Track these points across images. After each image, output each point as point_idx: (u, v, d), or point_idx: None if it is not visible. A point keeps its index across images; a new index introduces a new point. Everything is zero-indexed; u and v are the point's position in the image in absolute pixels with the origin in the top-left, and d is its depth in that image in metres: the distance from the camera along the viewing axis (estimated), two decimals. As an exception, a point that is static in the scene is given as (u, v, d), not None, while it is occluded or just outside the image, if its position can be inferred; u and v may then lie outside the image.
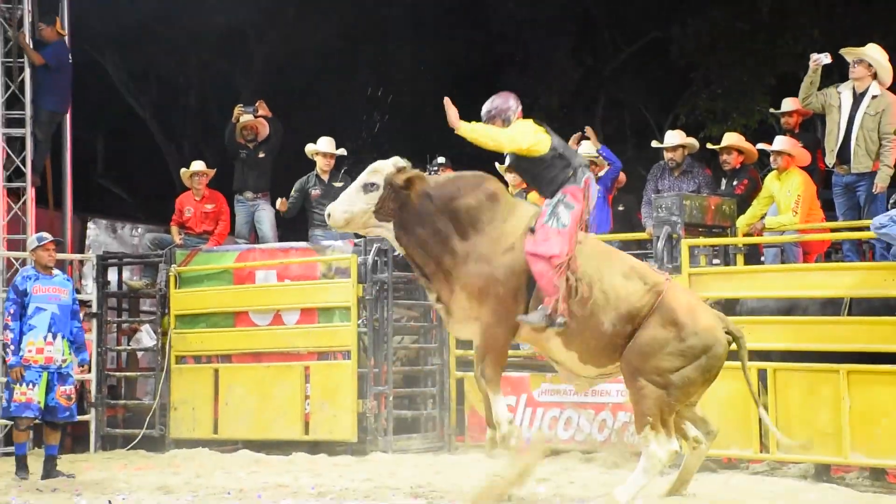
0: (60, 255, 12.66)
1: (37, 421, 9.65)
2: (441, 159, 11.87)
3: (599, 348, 7.45)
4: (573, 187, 7.55)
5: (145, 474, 9.83)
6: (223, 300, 11.88)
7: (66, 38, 13.09)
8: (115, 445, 12.08)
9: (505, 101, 7.81)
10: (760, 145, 10.78)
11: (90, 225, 18.42)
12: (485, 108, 7.81)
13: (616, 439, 10.12)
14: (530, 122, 7.71)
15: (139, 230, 18.59)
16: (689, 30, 19.50)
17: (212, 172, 12.64)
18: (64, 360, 9.60)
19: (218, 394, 11.56)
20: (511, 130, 7.60)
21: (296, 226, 13.26)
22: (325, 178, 12.04)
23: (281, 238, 12.75)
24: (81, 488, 8.90)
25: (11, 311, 9.61)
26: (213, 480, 9.25)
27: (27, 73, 12.71)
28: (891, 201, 9.31)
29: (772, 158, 10.32)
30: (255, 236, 12.68)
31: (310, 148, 12.15)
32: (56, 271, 9.91)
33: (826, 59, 9.74)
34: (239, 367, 11.68)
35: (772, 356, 9.08)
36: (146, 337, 13.83)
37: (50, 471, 9.48)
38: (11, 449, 11.68)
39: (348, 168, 12.02)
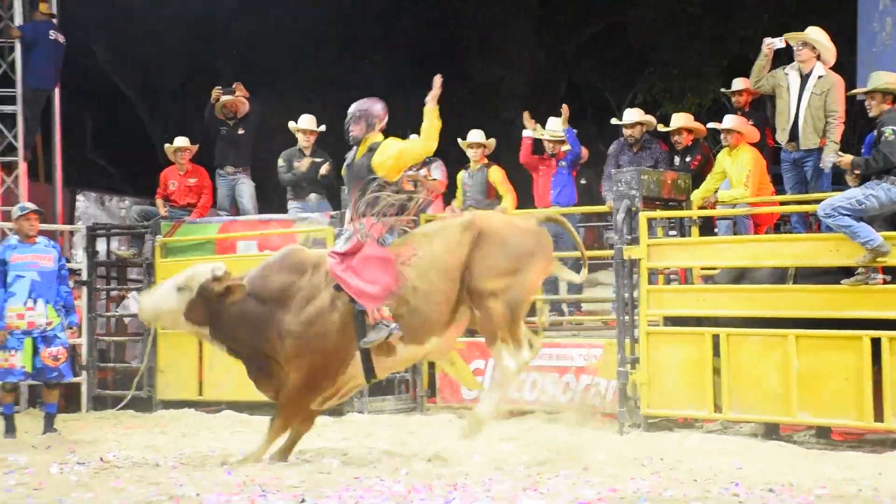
0: (52, 226, 12.57)
1: (20, 383, 9.71)
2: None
3: (448, 310, 7.37)
4: (376, 223, 7.37)
5: (134, 433, 9.78)
6: (206, 269, 11.76)
7: (55, 19, 12.87)
8: (105, 406, 12.00)
9: (373, 105, 7.63)
10: (711, 124, 10.79)
11: (79, 197, 18.18)
12: (352, 108, 7.61)
13: (579, 401, 10.14)
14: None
15: (126, 202, 18.36)
16: (646, 13, 19.47)
17: (194, 148, 12.54)
18: (49, 323, 9.49)
19: (202, 357, 11.46)
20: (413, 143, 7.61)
21: (274, 199, 13.17)
22: (308, 153, 11.94)
23: (260, 210, 12.64)
24: (74, 446, 8.83)
25: None
26: (199, 440, 9.21)
27: (17, 52, 12.54)
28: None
29: (723, 136, 10.32)
30: (235, 209, 12.58)
31: (292, 125, 12.03)
32: (39, 238, 9.76)
33: (780, 43, 9.74)
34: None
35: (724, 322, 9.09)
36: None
37: (47, 427, 9.53)
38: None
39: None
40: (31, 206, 9.88)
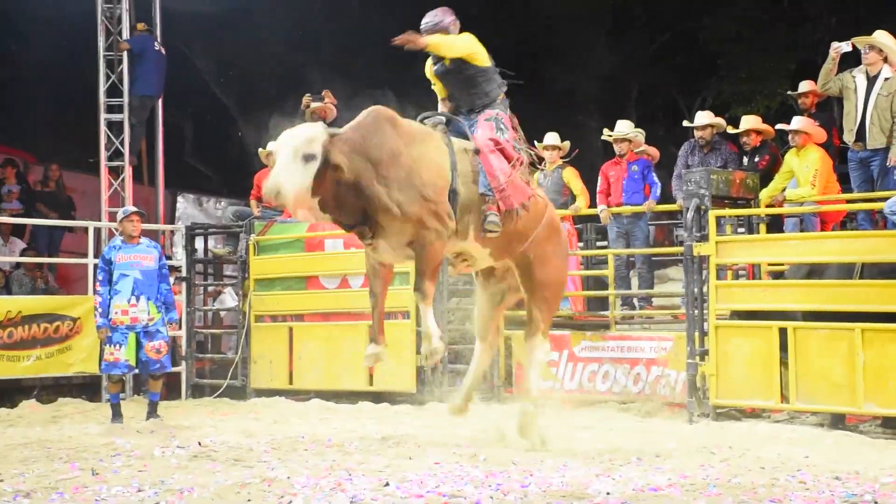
0: (154, 226, 12.83)
1: (125, 375, 9.81)
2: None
3: (508, 245, 7.33)
4: (502, 113, 7.35)
5: (229, 420, 9.92)
6: (296, 266, 11.91)
7: (158, 32, 13.14)
8: (203, 394, 12.20)
9: (443, 15, 7.44)
10: (780, 125, 10.60)
11: (179, 199, 18.61)
12: (425, 21, 7.42)
13: (649, 391, 10.05)
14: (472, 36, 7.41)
15: (222, 203, 18.75)
16: (717, 20, 19.22)
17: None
18: (151, 319, 9.59)
19: (292, 349, 11.61)
20: (465, 37, 7.36)
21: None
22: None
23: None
24: (175, 431, 8.99)
25: (100, 278, 9.67)
26: (289, 426, 9.31)
27: (125, 65, 12.80)
28: None
29: (790, 137, 10.14)
30: (325, 209, 12.66)
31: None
32: (142, 239, 9.86)
33: (847, 47, 9.57)
34: (310, 325, 11.71)
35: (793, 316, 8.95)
36: (229, 298, 13.94)
37: (151, 413, 9.69)
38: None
39: None
40: (133, 208, 10.03)
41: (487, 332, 7.77)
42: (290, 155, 6.56)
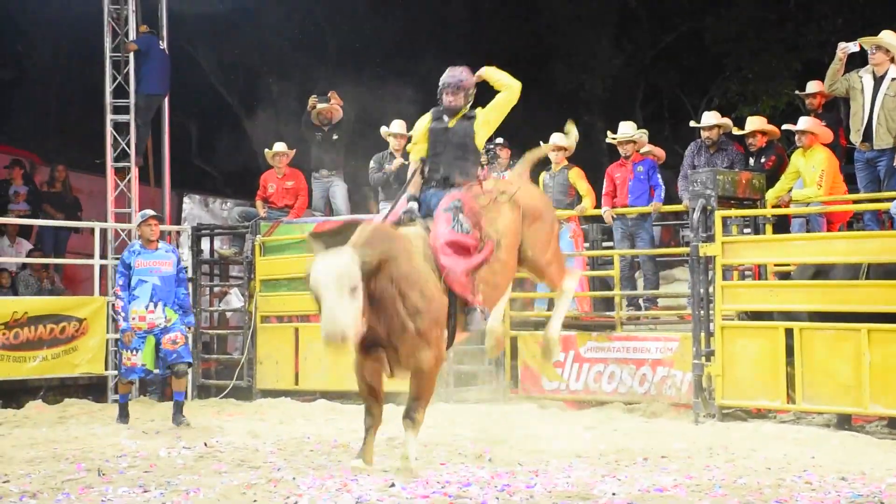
0: (161, 227, 12.83)
1: (138, 379, 9.76)
2: (499, 139, 11.76)
3: (509, 277, 7.43)
4: (471, 201, 6.95)
5: (236, 420, 9.92)
6: (302, 266, 11.66)
7: (164, 33, 13.18)
8: (209, 395, 12.21)
9: (469, 77, 7.29)
10: (786, 126, 10.58)
11: (186, 200, 18.62)
12: (447, 78, 7.24)
13: (655, 392, 10.05)
14: None
15: (228, 204, 18.75)
16: (722, 20, 19.20)
17: (292, 153, 12.67)
18: (168, 321, 9.52)
19: (298, 349, 11.61)
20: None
21: (366, 200, 13.25)
22: (398, 155, 11.99)
23: (353, 211, 12.72)
24: (181, 431, 9.00)
25: (120, 283, 9.58)
26: (295, 426, 9.31)
27: (131, 65, 12.82)
28: None
29: (797, 137, 10.13)
30: (329, 209, 12.70)
31: (384, 130, 12.10)
32: (160, 244, 9.79)
33: (854, 47, 9.56)
34: (316, 325, 11.50)
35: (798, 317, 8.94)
36: (235, 299, 13.96)
37: (177, 414, 9.50)
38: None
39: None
40: (151, 212, 9.90)
41: None
42: (337, 292, 6.19)
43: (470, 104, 7.31)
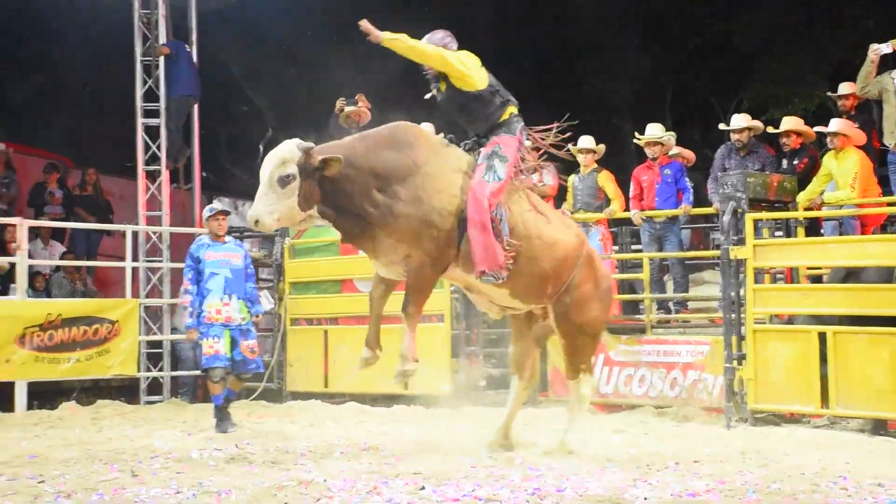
0: (190, 229, 12.92)
1: (229, 373, 9.34)
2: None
3: (533, 288, 7.10)
4: (507, 137, 7.01)
5: (266, 422, 9.95)
6: (331, 269, 11.95)
7: (193, 38, 13.25)
8: (239, 397, 12.17)
9: (433, 36, 7.24)
10: (818, 128, 10.49)
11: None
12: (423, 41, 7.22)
13: (686, 396, 9.99)
14: (473, 56, 7.13)
15: (258, 207, 18.77)
16: (753, 22, 19.07)
17: (322, 154, 12.67)
18: (243, 319, 9.40)
19: (328, 352, 11.64)
20: (455, 53, 7.05)
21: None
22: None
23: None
24: (212, 433, 9.03)
25: (189, 277, 9.43)
26: (325, 429, 9.33)
27: (162, 69, 12.89)
28: None
29: (829, 139, 10.03)
30: (359, 212, 12.68)
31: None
32: (228, 238, 9.69)
33: (886, 48, 9.48)
34: (345, 328, 11.73)
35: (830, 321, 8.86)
36: (265, 301, 13.97)
37: (224, 418, 9.34)
38: (156, 397, 12.06)
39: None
40: (219, 206, 9.84)
41: (524, 368, 7.56)
42: (266, 183, 6.64)
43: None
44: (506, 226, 6.86)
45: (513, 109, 7.20)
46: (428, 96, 7.32)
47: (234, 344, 9.34)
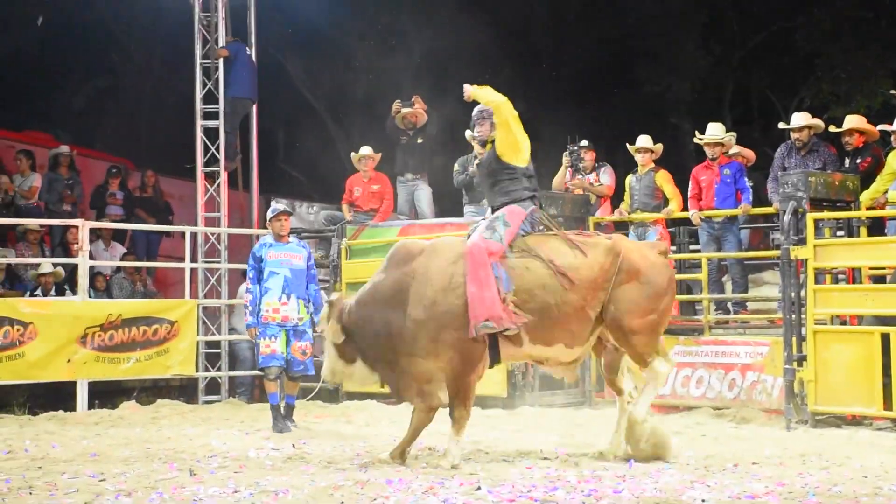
0: (249, 230, 13.05)
1: (282, 371, 9.49)
2: (584, 142, 11.68)
3: (580, 326, 7.04)
4: (516, 208, 7.20)
5: (322, 422, 10.01)
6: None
7: (252, 40, 13.37)
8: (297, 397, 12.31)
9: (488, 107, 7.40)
10: (882, 126, 10.30)
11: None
12: (475, 112, 7.46)
13: (745, 397, 9.88)
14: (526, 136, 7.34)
15: (314, 208, 18.92)
16: (814, 19, 18.79)
17: (378, 157, 12.74)
18: (300, 319, 9.46)
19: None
20: (513, 118, 7.20)
21: (451, 203, 13.29)
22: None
23: (438, 214, 12.77)
24: (268, 432, 9.11)
25: (250, 276, 9.55)
26: (381, 429, 9.36)
27: (221, 71, 13.02)
28: None
29: (893, 138, 9.86)
30: (414, 213, 12.74)
31: (468, 134, 12.09)
32: (291, 238, 9.77)
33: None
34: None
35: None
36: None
37: (288, 417, 9.47)
38: (214, 397, 12.20)
39: None
40: (283, 206, 9.94)
41: (618, 384, 7.46)
42: (324, 332, 7.39)
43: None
44: (505, 282, 6.93)
45: (533, 202, 7.35)
46: (476, 162, 7.60)
47: (287, 343, 9.44)
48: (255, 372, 10.45)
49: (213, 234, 12.78)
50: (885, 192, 9.80)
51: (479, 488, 6.09)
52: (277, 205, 9.99)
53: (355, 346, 7.19)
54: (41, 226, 13.09)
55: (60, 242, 13.61)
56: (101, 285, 13.08)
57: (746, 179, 10.95)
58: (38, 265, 12.24)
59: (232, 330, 12.66)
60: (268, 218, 9.83)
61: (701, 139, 11.13)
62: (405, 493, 5.99)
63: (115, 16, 21.51)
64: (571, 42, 20.76)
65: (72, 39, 21.39)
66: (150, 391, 12.23)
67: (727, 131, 11.40)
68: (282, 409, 9.53)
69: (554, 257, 7.07)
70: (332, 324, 7.18)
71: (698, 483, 6.24)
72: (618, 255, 7.12)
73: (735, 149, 11.33)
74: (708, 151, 11.08)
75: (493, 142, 7.38)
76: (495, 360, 7.13)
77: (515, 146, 7.27)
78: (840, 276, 10.00)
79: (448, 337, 6.90)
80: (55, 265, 12.25)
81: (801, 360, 9.06)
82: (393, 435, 8.73)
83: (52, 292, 12.04)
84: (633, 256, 7.19)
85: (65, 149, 14.45)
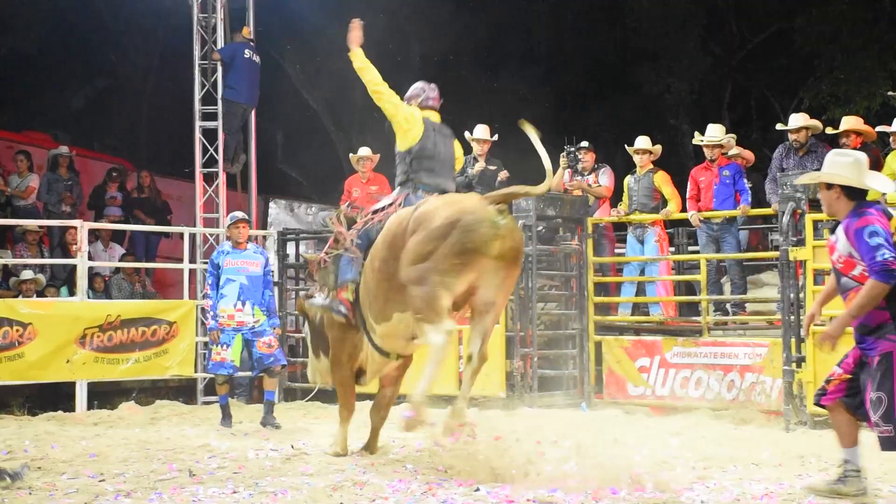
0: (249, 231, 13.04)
1: (231, 376, 10.01)
2: (584, 143, 11.70)
3: (394, 293, 6.78)
4: (392, 193, 7.40)
5: (322, 423, 10.01)
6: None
7: (252, 41, 13.36)
8: (294, 397, 12.35)
9: (421, 89, 7.58)
10: (881, 127, 10.32)
11: (272, 205, 18.86)
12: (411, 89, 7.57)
13: (744, 398, 9.89)
14: (425, 115, 7.36)
15: (313, 209, 18.97)
16: (814, 20, 18.79)
17: (376, 157, 12.74)
18: (256, 321, 9.73)
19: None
20: (397, 100, 7.34)
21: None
22: (482, 160, 11.99)
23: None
24: (268, 433, 9.12)
25: (209, 282, 9.88)
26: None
27: (219, 73, 13.02)
28: None
29: (892, 139, 9.88)
30: (414, 214, 12.71)
31: (467, 135, 12.12)
32: (249, 245, 9.99)
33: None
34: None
35: None
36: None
37: (268, 413, 9.72)
38: (213, 398, 12.21)
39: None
40: (241, 214, 10.14)
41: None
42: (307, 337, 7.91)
43: None
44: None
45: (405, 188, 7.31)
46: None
47: (250, 344, 9.73)
48: (251, 374, 10.58)
49: (211, 235, 12.79)
50: (884, 194, 9.79)
51: (477, 489, 6.11)
52: (236, 212, 10.14)
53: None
54: (40, 227, 13.09)
55: (59, 243, 13.61)
56: (100, 286, 13.07)
57: (745, 180, 10.96)
58: (20, 271, 12.19)
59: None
60: (226, 225, 10.10)
61: (701, 141, 11.15)
62: (404, 494, 6.01)
63: (114, 16, 21.51)
64: (570, 42, 20.77)
65: (69, 40, 21.39)
66: (149, 392, 12.23)
67: (726, 132, 11.42)
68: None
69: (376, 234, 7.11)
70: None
71: (698, 484, 6.25)
72: (418, 207, 6.78)
73: (735, 150, 11.34)
74: (707, 153, 11.10)
75: None
76: (380, 350, 7.49)
77: (397, 126, 7.34)
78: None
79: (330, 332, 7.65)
80: (36, 272, 12.23)
81: (801, 361, 9.08)
82: (392, 435, 8.74)
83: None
84: (428, 206, 6.70)
85: (64, 149, 14.46)
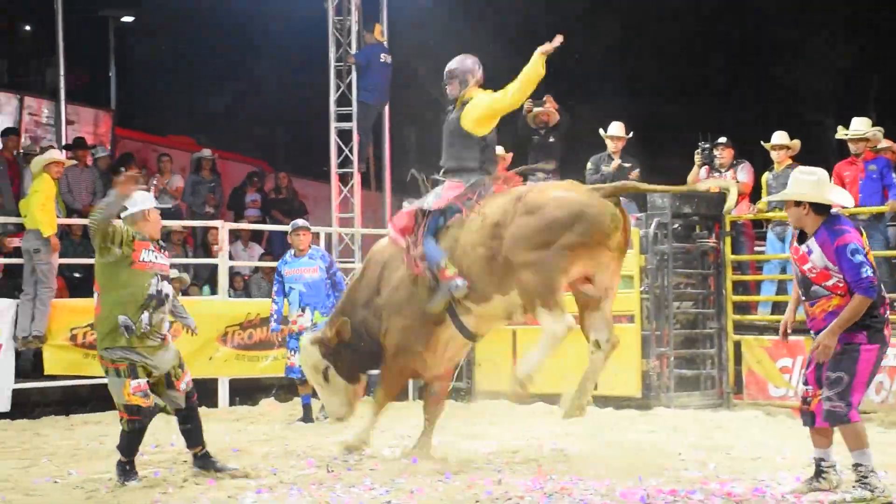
0: (381, 231, 13.23)
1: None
2: (722, 139, 11.49)
3: (497, 274, 6.95)
4: (456, 182, 7.29)
5: (455, 422, 10.05)
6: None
7: (385, 42, 13.55)
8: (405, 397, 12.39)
9: (464, 62, 7.48)
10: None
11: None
12: (446, 69, 7.46)
13: (893, 401, 9.56)
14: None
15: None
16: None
17: (509, 157, 12.75)
18: (313, 324, 9.88)
19: (515, 352, 11.68)
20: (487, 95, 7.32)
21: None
22: (616, 157, 11.90)
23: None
24: (402, 430, 9.22)
25: (275, 289, 10.30)
26: (512, 429, 9.36)
27: (353, 75, 13.25)
28: None
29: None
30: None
31: (602, 132, 12.05)
32: (311, 251, 10.27)
33: None
34: (533, 328, 11.67)
35: None
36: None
37: (306, 416, 10.15)
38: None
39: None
40: (302, 223, 10.50)
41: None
42: (319, 388, 7.72)
43: (469, 88, 7.44)
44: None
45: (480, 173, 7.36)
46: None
47: None
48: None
49: (347, 235, 13.02)
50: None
51: (612, 489, 6.07)
52: (297, 221, 10.56)
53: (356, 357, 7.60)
54: (184, 227, 13.56)
55: (202, 243, 14.07)
56: (240, 285, 13.46)
57: (894, 175, 10.57)
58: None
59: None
60: (288, 233, 10.44)
61: (846, 135, 10.80)
62: (538, 494, 6.03)
63: (248, 20, 22.08)
64: (704, 36, 20.38)
65: (207, 44, 22.08)
66: (288, 388, 12.48)
67: (874, 126, 11.03)
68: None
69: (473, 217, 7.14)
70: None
71: (835, 491, 6.09)
72: (523, 194, 7.03)
73: (884, 143, 10.94)
74: (852, 147, 10.75)
75: (462, 101, 7.40)
76: (466, 333, 7.38)
77: (481, 115, 7.30)
78: None
79: (398, 319, 7.36)
80: (180, 270, 12.62)
81: (952, 363, 8.73)
82: (524, 435, 8.76)
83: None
84: (539, 194, 7.01)
85: (207, 152, 14.94)
